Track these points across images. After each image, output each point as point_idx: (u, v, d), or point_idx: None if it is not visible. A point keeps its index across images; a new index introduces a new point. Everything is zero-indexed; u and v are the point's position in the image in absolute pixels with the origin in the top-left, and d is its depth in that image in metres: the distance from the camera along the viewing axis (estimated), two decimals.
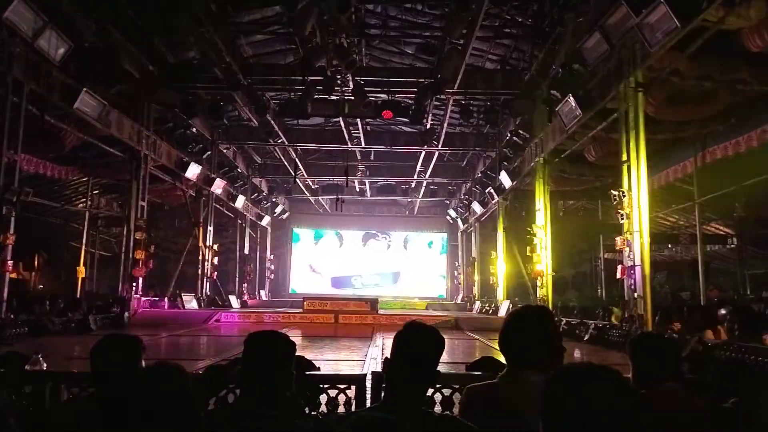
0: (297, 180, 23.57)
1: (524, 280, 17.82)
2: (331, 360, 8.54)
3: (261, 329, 2.15)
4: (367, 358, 8.49)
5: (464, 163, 23.62)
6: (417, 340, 1.97)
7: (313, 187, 25.46)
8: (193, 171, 17.49)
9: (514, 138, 16.12)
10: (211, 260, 20.34)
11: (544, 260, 14.98)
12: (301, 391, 3.09)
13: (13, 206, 10.16)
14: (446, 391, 3.18)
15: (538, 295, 15.64)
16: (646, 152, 10.34)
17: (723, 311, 9.76)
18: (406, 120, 16.55)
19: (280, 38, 15.14)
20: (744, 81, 9.64)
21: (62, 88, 11.47)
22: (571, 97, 11.71)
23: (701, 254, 14.72)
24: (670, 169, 14.12)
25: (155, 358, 1.93)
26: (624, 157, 10.53)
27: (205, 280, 19.98)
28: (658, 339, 2.81)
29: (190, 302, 18.27)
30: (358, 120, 17.84)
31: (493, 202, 19.98)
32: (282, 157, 21.91)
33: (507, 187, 18.02)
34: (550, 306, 14.75)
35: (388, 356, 2.01)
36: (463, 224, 26.57)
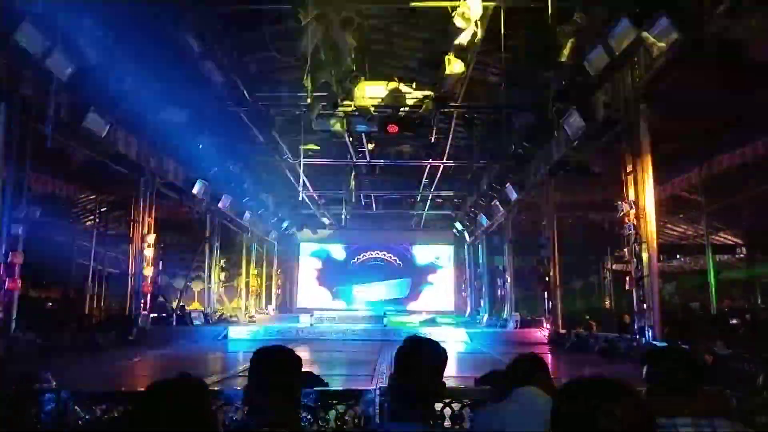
0: (303, 195, 23.63)
1: (532, 292, 17.75)
2: (339, 375, 8.52)
3: (268, 345, 2.15)
4: (376, 372, 8.45)
5: (470, 176, 23.60)
6: (417, 353, 1.98)
7: (318, 202, 25.51)
8: (200, 188, 17.59)
9: (519, 150, 16.15)
10: (218, 276, 20.40)
11: (551, 272, 14.93)
12: (310, 407, 3.09)
13: (21, 224, 10.24)
14: (456, 406, 3.17)
15: (546, 307, 15.58)
16: (652, 163, 10.35)
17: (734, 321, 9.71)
18: (411, 134, 16.59)
19: (285, 55, 15.27)
20: (748, 91, 9.65)
21: (70, 107, 11.61)
22: (575, 110, 11.75)
23: (710, 264, 14.66)
24: (676, 180, 14.12)
25: (166, 375, 1.93)
26: (629, 168, 10.53)
27: (212, 295, 20.01)
28: (672, 351, 2.80)
29: (198, 318, 18.28)
30: (363, 135, 17.90)
31: (500, 214, 19.98)
32: (288, 173, 21.97)
33: (513, 200, 18.02)
34: (559, 318, 14.70)
35: (393, 373, 2.02)
36: (470, 237, 26.54)
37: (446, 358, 2.01)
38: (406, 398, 1.91)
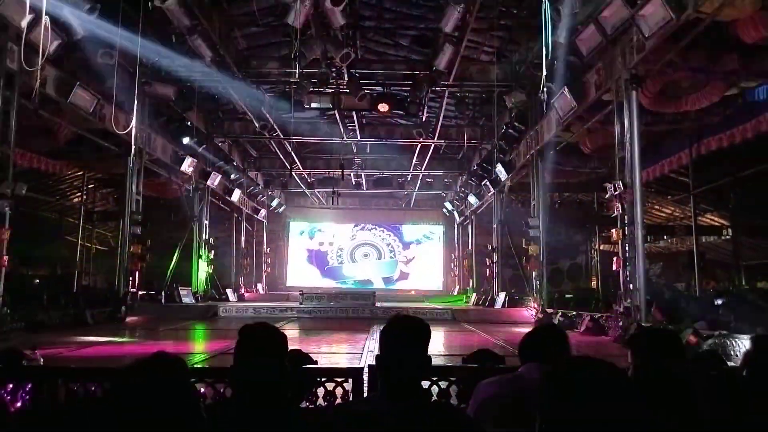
0: (293, 173, 23.52)
1: (520, 272, 17.88)
2: (329, 353, 8.56)
3: (255, 322, 2.15)
4: (365, 350, 8.50)
5: (460, 155, 23.61)
6: (402, 331, 2.01)
7: (308, 180, 25.42)
8: (189, 165, 17.45)
9: (510, 130, 16.13)
10: (207, 254, 20.34)
11: (539, 252, 15.02)
12: (298, 385, 3.10)
13: (7, 201, 10.13)
14: (443, 384, 3.20)
15: (533, 286, 15.71)
16: (641, 144, 10.38)
17: (719, 301, 9.85)
18: (402, 113, 16.53)
19: (275, 30, 15.07)
20: (737, 72, 9.67)
21: (56, 82, 11.42)
22: (566, 89, 11.73)
23: (696, 245, 14.81)
24: (665, 161, 14.17)
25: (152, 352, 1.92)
26: (619, 149, 10.56)
27: (201, 273, 19.98)
28: (658, 332, 2.83)
29: (187, 296, 18.28)
30: (354, 113, 17.80)
31: (489, 194, 20.02)
32: (278, 151, 21.85)
33: (503, 180, 18.04)
34: (546, 298, 14.83)
35: (379, 353, 2.03)
36: (460, 217, 26.62)
37: (429, 334, 2.03)
38: (392, 375, 1.95)
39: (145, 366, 1.81)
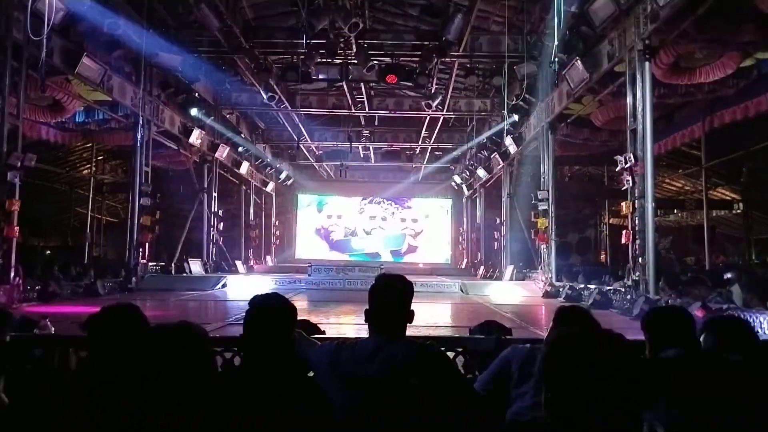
0: (300, 146, 23.45)
1: (528, 245, 17.88)
2: (336, 324, 8.65)
3: (264, 294, 2.16)
4: None
5: (469, 128, 23.41)
6: (388, 286, 2.32)
7: (317, 153, 25.35)
8: (197, 137, 17.43)
9: (520, 102, 15.95)
10: (217, 226, 20.46)
11: (548, 225, 14.98)
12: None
13: (17, 172, 10.17)
14: (450, 354, 3.22)
15: (541, 260, 15.71)
16: (654, 117, 10.23)
17: (728, 275, 9.80)
18: (411, 84, 16.35)
19: (283, 0, 14.87)
20: (753, 43, 9.45)
21: (62, 53, 11.36)
22: (578, 61, 11.53)
23: (707, 220, 14.71)
24: (677, 134, 13.99)
25: (166, 321, 1.95)
26: (630, 122, 10.42)
27: (211, 245, 20.12)
28: (672, 310, 2.82)
29: (197, 267, 18.44)
30: (362, 84, 17.64)
31: (498, 167, 19.91)
32: (285, 123, 21.76)
33: (512, 153, 17.92)
34: (554, 272, 14.85)
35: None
36: (468, 190, 26.52)
37: (411, 289, 2.35)
38: (380, 323, 2.27)
39: (169, 334, 1.85)
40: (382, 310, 2.26)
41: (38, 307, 9.92)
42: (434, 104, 17.08)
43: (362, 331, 8.09)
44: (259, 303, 2.08)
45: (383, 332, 2.25)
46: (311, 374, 2.36)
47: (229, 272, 20.11)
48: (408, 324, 2.30)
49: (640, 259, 10.07)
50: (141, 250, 15.06)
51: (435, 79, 16.80)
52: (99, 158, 19.23)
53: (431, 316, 9.20)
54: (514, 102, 16.25)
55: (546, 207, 14.96)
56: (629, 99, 10.45)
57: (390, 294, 2.28)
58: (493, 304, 12.18)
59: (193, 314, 10.59)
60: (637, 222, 10.17)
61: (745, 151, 13.66)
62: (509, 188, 19.54)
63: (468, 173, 25.21)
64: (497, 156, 19.21)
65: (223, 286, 16.32)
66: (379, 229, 29.67)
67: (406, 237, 29.67)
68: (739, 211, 18.40)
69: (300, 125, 21.43)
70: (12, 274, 10.20)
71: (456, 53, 14.87)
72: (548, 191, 14.99)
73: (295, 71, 14.85)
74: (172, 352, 1.80)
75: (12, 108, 10.31)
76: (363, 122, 22.11)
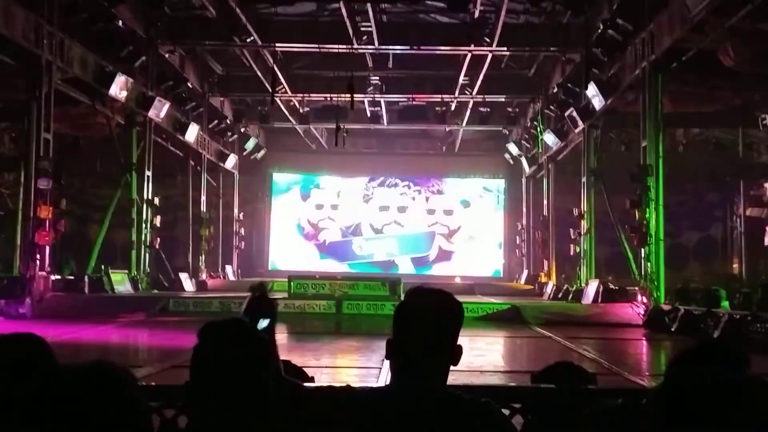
0: (277, 100, 23.47)
1: (622, 248, 17.79)
2: (331, 367, 8.66)
3: (222, 320, 2.15)
4: (385, 364, 8.56)
5: (532, 71, 23.30)
6: (425, 308, 2.21)
7: (301, 111, 25.38)
8: (120, 86, 17.45)
9: (610, 32, 15.84)
10: (152, 221, 20.53)
11: (652, 219, 14.89)
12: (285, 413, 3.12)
13: None
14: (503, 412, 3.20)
15: (642, 271, 15.63)
16: None
17: None
18: (443, 5, 16.29)
19: None
20: None
21: None
22: None
23: None
24: None
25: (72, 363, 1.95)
26: None
27: (143, 250, 20.21)
28: None
29: (122, 283, 18.52)
30: (369, 6, 17.58)
31: (577, 131, 19.80)
32: (254, 65, 21.78)
33: (598, 109, 17.79)
34: (662, 289, 14.77)
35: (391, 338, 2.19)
36: (530, 166, 26.42)
37: (460, 314, 2.25)
38: (410, 365, 2.16)
39: (76, 380, 1.85)
40: (415, 343, 2.18)
41: None
42: (480, 36, 16.99)
43: (370, 379, 8.11)
44: (214, 334, 2.07)
45: (414, 377, 2.19)
46: None
47: (170, 289, 20.18)
48: (452, 366, 2.23)
49: None
50: (39, 256, 15.14)
51: None
52: None
53: (474, 356, 9.16)
54: (600, 31, 16.12)
55: (649, 191, 14.87)
56: None
57: (427, 318, 2.20)
58: (567, 338, 12.14)
59: (116, 354, 10.65)
60: None
61: None
62: (593, 162, 19.43)
63: (530, 140, 25.07)
64: (575, 113, 19.09)
65: (162, 310, 16.39)
66: (394, 225, 29.69)
67: (435, 237, 29.66)
68: None
69: (276, 68, 21.44)
70: None
71: None
72: (653, 168, 14.89)
73: None
74: (79, 408, 1.79)
75: None
76: (370, 63, 22.07)
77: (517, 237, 28.66)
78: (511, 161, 27.86)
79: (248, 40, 18.90)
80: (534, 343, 12.09)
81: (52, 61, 15.35)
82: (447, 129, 27.11)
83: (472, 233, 29.52)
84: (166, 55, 20.75)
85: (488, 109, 25.16)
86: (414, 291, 2.31)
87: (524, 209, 28.05)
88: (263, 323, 2.44)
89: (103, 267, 18.45)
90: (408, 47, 20.51)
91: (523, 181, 28.03)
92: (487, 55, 20.10)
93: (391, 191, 29.79)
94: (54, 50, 15.37)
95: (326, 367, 8.65)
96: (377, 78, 22.87)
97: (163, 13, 19.01)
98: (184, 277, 21.98)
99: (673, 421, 1.48)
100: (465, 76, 22.12)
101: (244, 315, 2.37)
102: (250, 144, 27.62)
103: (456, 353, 2.20)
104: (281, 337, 11.85)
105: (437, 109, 25.00)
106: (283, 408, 2.31)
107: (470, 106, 24.82)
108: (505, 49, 20.03)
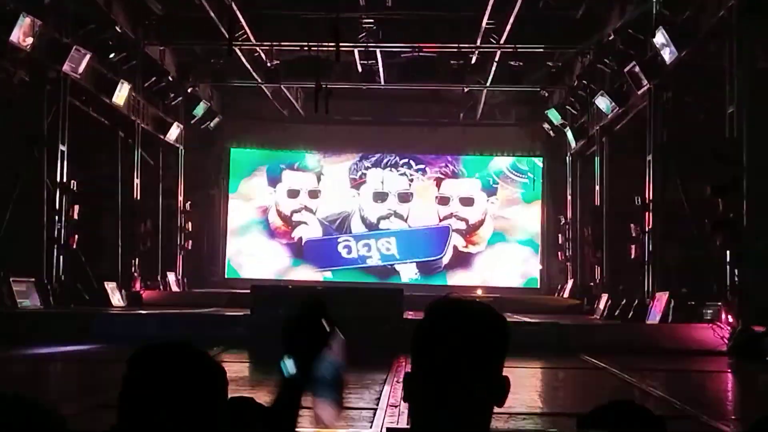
0: (236, 49, 23.46)
1: (700, 251, 17.85)
2: (311, 408, 8.69)
3: (163, 344, 2.15)
4: (381, 402, 8.63)
5: (580, 12, 23.32)
6: (457, 328, 2.06)
7: (269, 63, 25.41)
8: (25, 30, 17.45)
9: None
10: (68, 213, 20.54)
11: (743, 211, 14.93)
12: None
13: None
14: None
15: (728, 282, 15.67)
16: None
17: None
18: None
19: None
20: None
21: None
22: None
23: None
24: None
25: None
26: None
27: (56, 251, 20.23)
28: None
29: (27, 296, 18.55)
30: None
31: (640, 93, 19.83)
32: (205, 3, 21.79)
33: (669, 62, 17.82)
34: (755, 306, 14.82)
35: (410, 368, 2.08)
36: (577, 139, 26.46)
37: (506, 336, 2.12)
38: (437, 404, 2.02)
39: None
40: (444, 377, 2.05)
41: None
42: None
43: (360, 423, 8.15)
44: (148, 364, 2.07)
45: (443, 424, 2.06)
46: None
47: (93, 304, 20.22)
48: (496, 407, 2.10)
49: None
50: None
51: None
52: None
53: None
54: None
55: (735, 173, 14.90)
56: None
57: (462, 342, 2.05)
58: (626, 369, 12.19)
59: (22, 388, 10.67)
60: None
61: None
62: (661, 135, 19.45)
63: (577, 105, 25.14)
64: (637, 69, 19.12)
65: (82, 332, 16.42)
66: (394, 218, 29.77)
67: (449, 235, 29.75)
68: None
69: (234, 6, 21.44)
70: None
71: None
72: (742, 140, 14.93)
73: None
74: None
75: None
76: (363, 1, 22.09)
77: (560, 235, 28.79)
78: (552, 133, 27.92)
79: None
80: (581, 377, 12.15)
81: None
82: (465, 90, 27.16)
83: (498, 229, 29.59)
84: None
85: (521, 63, 25.19)
86: (439, 304, 2.16)
87: (569, 198, 28.17)
88: (328, 361, 2.46)
89: (1, 274, 18.47)
90: None
91: (568, 159, 28.13)
92: None
93: (389, 173, 29.88)
94: None
95: (303, 407, 8.67)
96: (372, 21, 22.86)
97: None
98: (110, 287, 22.00)
99: None
100: (490, 18, 22.15)
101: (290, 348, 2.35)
102: (200, 109, 27.60)
103: (501, 389, 2.12)
104: (240, 366, 11.86)
105: (452, 62, 25.06)
106: None
107: (497, 58, 24.84)
108: None
